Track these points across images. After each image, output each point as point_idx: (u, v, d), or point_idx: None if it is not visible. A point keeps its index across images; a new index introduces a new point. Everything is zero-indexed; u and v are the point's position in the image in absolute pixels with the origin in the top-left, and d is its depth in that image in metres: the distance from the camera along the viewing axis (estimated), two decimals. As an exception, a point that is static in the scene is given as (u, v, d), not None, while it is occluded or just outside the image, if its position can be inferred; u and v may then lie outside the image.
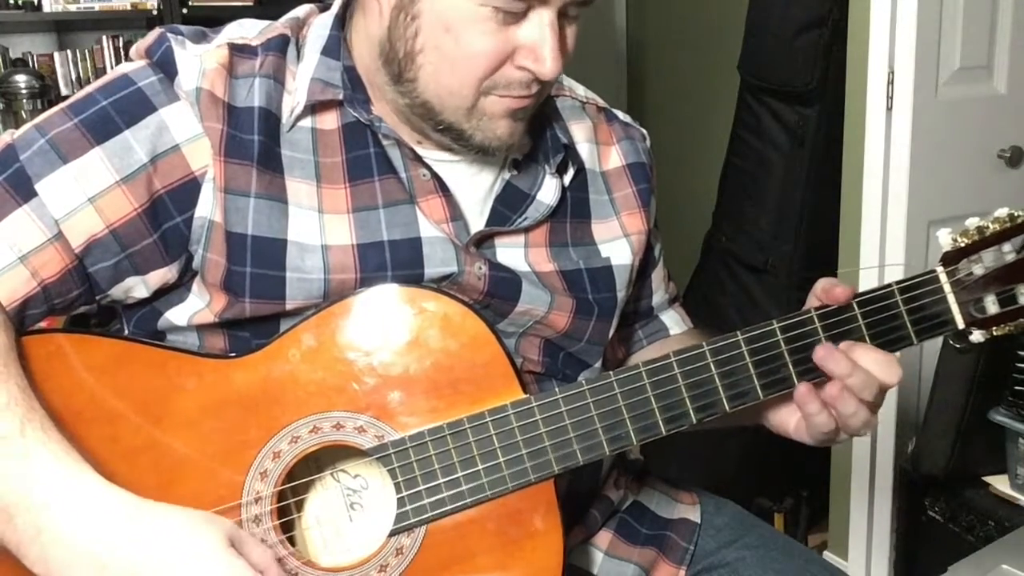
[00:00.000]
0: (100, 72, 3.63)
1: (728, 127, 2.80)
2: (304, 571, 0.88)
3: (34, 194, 0.85)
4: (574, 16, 0.90)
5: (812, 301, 0.95)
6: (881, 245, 2.23)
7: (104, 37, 3.67)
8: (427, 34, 0.87)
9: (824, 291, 0.93)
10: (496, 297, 0.97)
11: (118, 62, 3.62)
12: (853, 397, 0.90)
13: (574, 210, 1.04)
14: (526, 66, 0.88)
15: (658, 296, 1.19)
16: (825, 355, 0.90)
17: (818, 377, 0.91)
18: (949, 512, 2.01)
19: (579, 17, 0.91)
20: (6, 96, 3.34)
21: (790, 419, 0.97)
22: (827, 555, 2.49)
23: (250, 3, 3.51)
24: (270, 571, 0.78)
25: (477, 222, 0.99)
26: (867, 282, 2.25)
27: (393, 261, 0.92)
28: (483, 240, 0.98)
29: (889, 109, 2.15)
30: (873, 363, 0.90)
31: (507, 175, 1.01)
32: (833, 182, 2.36)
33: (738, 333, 0.90)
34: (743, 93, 2.73)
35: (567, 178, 1.03)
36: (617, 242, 1.06)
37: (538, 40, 0.87)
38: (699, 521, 1.17)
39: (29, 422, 0.75)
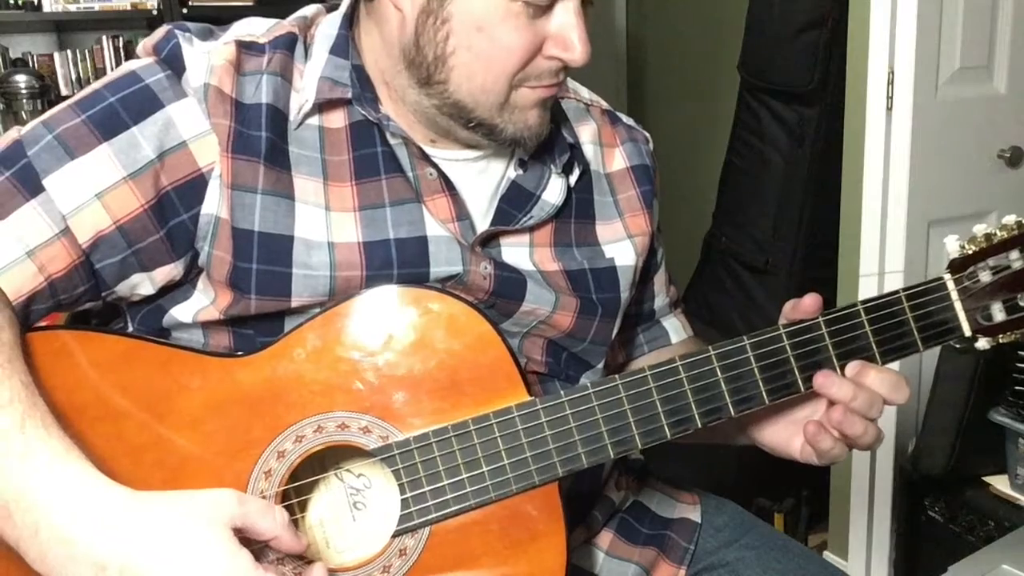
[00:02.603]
0: (100, 72, 3.64)
1: (728, 127, 2.80)
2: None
3: (41, 189, 0.85)
4: (591, 1, 0.92)
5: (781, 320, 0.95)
6: (881, 245, 2.23)
7: (104, 37, 3.67)
8: (459, 36, 0.88)
9: (792, 308, 0.94)
10: (501, 297, 0.97)
11: (118, 62, 3.63)
12: (859, 418, 0.91)
13: (578, 211, 1.05)
14: (556, 55, 0.89)
15: (660, 300, 1.19)
16: (824, 382, 0.91)
17: None
18: (949, 512, 2.01)
19: (593, 3, 0.92)
20: (6, 96, 3.34)
21: (793, 442, 0.98)
22: (827, 555, 2.50)
23: (250, 3, 3.51)
24: (282, 538, 0.78)
25: (483, 221, 0.99)
26: (866, 285, 2.26)
27: (399, 259, 0.93)
28: (488, 239, 0.98)
29: (889, 109, 2.15)
30: (881, 383, 0.91)
31: (513, 174, 1.01)
32: (833, 182, 2.36)
33: (744, 338, 0.90)
34: (743, 93, 2.73)
35: (573, 178, 1.04)
36: (621, 243, 1.07)
37: (567, 29, 0.89)
38: (699, 521, 1.17)
39: (30, 418, 0.74)
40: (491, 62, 0.88)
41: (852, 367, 0.91)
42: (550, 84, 0.92)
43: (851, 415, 0.91)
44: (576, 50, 0.89)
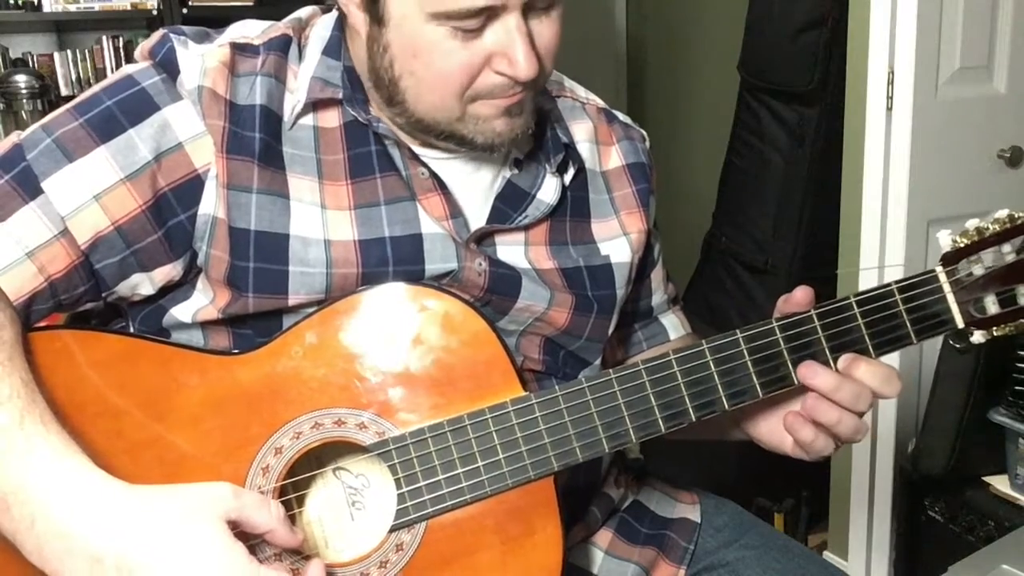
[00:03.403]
0: (100, 72, 3.64)
1: (728, 127, 2.80)
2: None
3: (40, 192, 0.86)
4: (544, 8, 0.89)
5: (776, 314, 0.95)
6: (881, 245, 2.23)
7: (104, 37, 3.67)
8: (400, 62, 0.89)
9: (784, 302, 0.94)
10: (496, 294, 0.98)
11: (118, 62, 3.64)
12: (831, 406, 0.91)
13: (574, 209, 1.05)
14: (501, 70, 0.88)
15: (657, 297, 1.19)
16: (807, 372, 0.91)
17: None
18: (949, 512, 2.01)
19: (554, 7, 0.90)
20: (6, 96, 3.35)
21: (786, 438, 0.98)
22: (827, 555, 2.50)
23: (250, 3, 3.52)
24: (277, 531, 0.78)
25: (478, 220, 0.99)
26: (866, 283, 2.26)
27: (394, 257, 0.93)
28: (483, 237, 0.99)
29: (889, 109, 2.15)
30: (872, 376, 0.91)
31: (508, 173, 1.02)
32: (833, 182, 2.36)
33: (737, 332, 0.90)
34: (743, 93, 2.73)
35: (567, 177, 1.04)
36: (616, 240, 1.07)
37: (506, 45, 0.87)
38: (699, 521, 1.17)
39: (29, 414, 0.75)
40: (433, 85, 0.89)
41: (844, 359, 0.91)
42: (506, 96, 0.90)
43: (822, 403, 0.91)
44: (519, 66, 0.87)
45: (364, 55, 0.93)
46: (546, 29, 0.90)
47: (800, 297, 0.93)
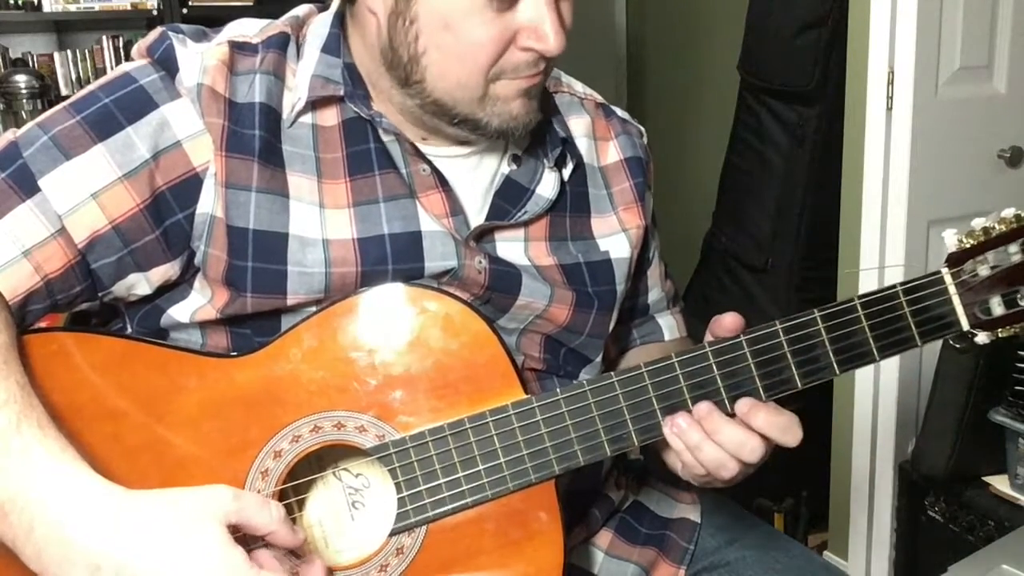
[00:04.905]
0: (100, 72, 3.64)
1: (728, 127, 2.80)
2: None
3: (37, 190, 0.86)
4: None
5: (708, 336, 0.94)
6: (881, 245, 2.23)
7: (104, 37, 3.68)
8: (427, 34, 0.88)
9: (716, 324, 0.93)
10: (496, 291, 0.97)
11: (118, 62, 3.63)
12: (721, 451, 0.90)
13: (573, 205, 1.05)
14: (530, 46, 0.89)
15: (654, 294, 1.18)
16: (679, 431, 0.89)
17: (820, 380, 0.91)
18: (949, 512, 2.01)
19: None
20: (6, 96, 3.35)
21: (677, 461, 0.97)
22: (827, 555, 2.50)
23: (249, 3, 3.52)
24: (278, 533, 0.78)
25: (477, 216, 0.99)
26: (867, 284, 2.25)
27: (393, 255, 0.93)
28: (483, 234, 0.98)
29: (889, 109, 2.15)
30: (769, 427, 0.89)
31: (506, 169, 1.02)
32: (833, 182, 2.36)
33: (741, 335, 0.90)
34: (743, 93, 2.73)
35: (566, 172, 1.04)
36: (615, 236, 1.07)
37: (537, 19, 0.87)
38: (699, 521, 1.17)
39: (26, 419, 0.75)
40: (462, 59, 0.88)
41: (745, 403, 0.90)
42: (528, 75, 0.91)
43: (707, 444, 0.90)
44: (548, 40, 0.88)
45: (374, 42, 0.92)
46: (565, 8, 0.91)
47: (729, 322, 0.91)
